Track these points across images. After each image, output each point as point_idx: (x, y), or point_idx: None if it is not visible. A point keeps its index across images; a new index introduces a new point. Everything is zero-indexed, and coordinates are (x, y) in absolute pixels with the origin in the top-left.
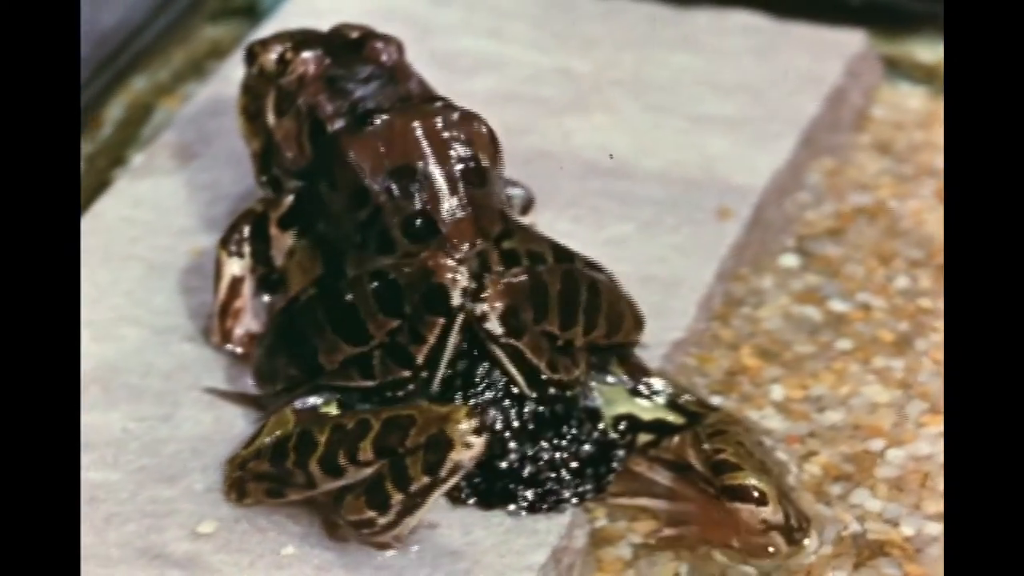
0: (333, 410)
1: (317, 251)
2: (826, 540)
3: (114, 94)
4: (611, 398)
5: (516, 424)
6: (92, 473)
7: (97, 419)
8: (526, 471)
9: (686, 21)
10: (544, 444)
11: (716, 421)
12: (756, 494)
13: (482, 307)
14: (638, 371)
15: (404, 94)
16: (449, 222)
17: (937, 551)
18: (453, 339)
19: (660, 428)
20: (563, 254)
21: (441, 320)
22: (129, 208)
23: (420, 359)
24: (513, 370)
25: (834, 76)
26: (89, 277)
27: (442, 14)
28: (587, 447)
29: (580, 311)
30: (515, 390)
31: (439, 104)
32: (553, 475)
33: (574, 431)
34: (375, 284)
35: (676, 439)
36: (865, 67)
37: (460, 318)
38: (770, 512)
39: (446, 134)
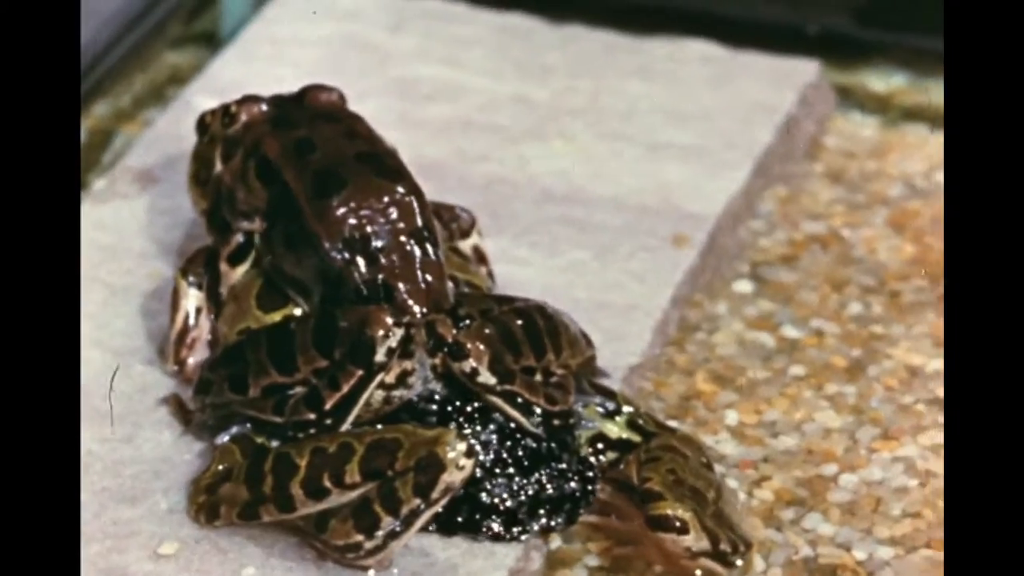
0: (263, 440)
1: (255, 287)
2: (774, 564)
3: None
4: (586, 418)
5: (492, 456)
6: None
7: None
8: (499, 504)
9: (642, 50)
10: (520, 478)
11: (655, 446)
12: (677, 523)
13: (469, 363)
14: (604, 392)
15: (347, 131)
16: (403, 290)
17: (889, 575)
18: (366, 395)
19: (623, 447)
20: (505, 300)
21: (359, 372)
22: (91, 232)
23: (328, 405)
24: (516, 413)
25: (788, 105)
26: None
27: (399, 42)
28: (564, 483)
29: (545, 337)
30: (492, 423)
31: (396, 177)
32: (526, 509)
33: (553, 465)
34: (318, 321)
35: (626, 459)
36: (818, 96)
37: (378, 377)
38: (692, 540)
39: (401, 209)
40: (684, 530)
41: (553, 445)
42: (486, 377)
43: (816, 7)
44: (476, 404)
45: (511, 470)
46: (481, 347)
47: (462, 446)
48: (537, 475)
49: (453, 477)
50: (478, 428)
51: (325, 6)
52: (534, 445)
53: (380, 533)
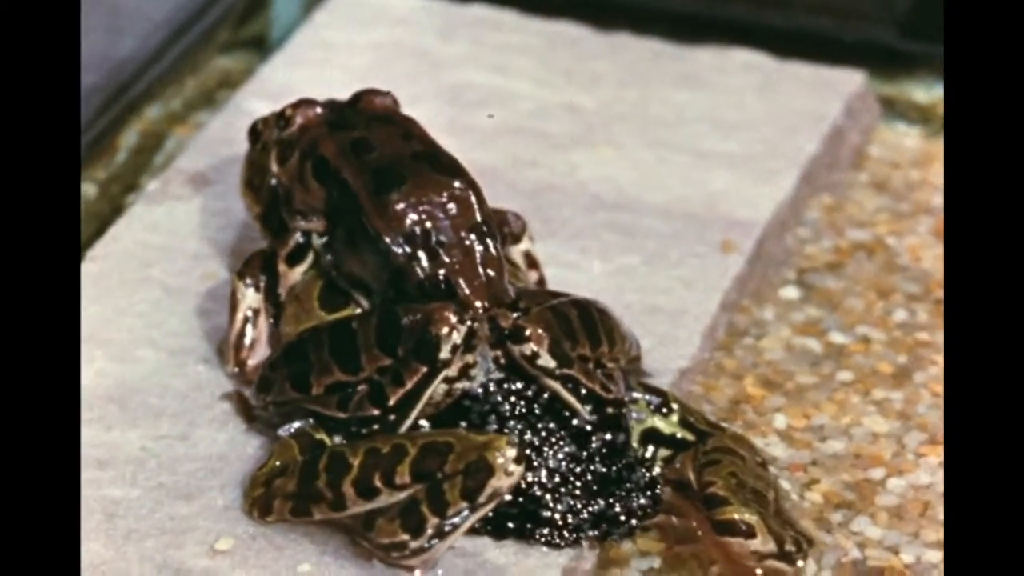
0: (323, 435)
1: (316, 287)
2: (825, 566)
3: (128, 122)
4: (636, 412)
5: (551, 464)
6: (112, 490)
7: (116, 437)
8: (559, 519)
9: (689, 58)
10: (587, 498)
11: (712, 448)
12: (744, 527)
13: (530, 346)
14: (654, 391)
15: (403, 132)
16: (465, 286)
17: None
18: (430, 391)
19: (677, 444)
20: (561, 295)
21: (424, 369)
22: (144, 233)
23: (392, 401)
24: (571, 399)
25: (833, 115)
26: (106, 299)
27: (450, 49)
28: (631, 501)
29: (601, 330)
30: (553, 428)
31: (454, 173)
32: (589, 524)
33: (621, 485)
34: (380, 319)
35: (680, 458)
36: (863, 107)
37: (442, 374)
38: (759, 543)
39: (461, 204)
40: (751, 534)
41: (623, 463)
42: (546, 360)
43: (861, 19)
44: (552, 428)
45: (579, 490)
46: (541, 331)
47: (512, 452)
48: (604, 495)
49: (501, 482)
50: (549, 448)
51: (375, 12)
52: (604, 468)
53: (426, 534)
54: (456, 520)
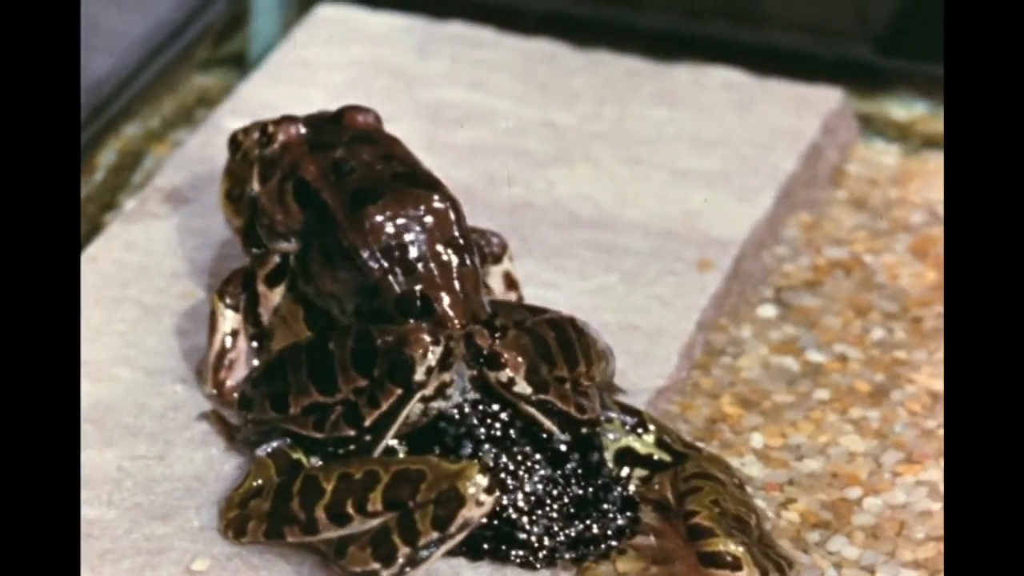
0: (300, 455)
1: (301, 307)
2: None
3: (106, 140)
4: (611, 431)
5: (527, 486)
6: (88, 510)
7: (93, 457)
8: (535, 541)
9: (667, 76)
10: (564, 521)
11: (691, 474)
12: (729, 559)
13: (507, 373)
14: (629, 410)
15: (385, 152)
16: (442, 303)
17: None
18: (405, 412)
19: (652, 465)
20: (538, 311)
21: (399, 390)
22: (122, 252)
23: (367, 422)
24: (547, 423)
25: (811, 132)
26: (83, 319)
27: (427, 66)
28: (607, 523)
29: (578, 350)
30: (529, 450)
31: (432, 189)
32: (565, 546)
33: (597, 507)
34: (356, 340)
35: (659, 479)
36: (841, 124)
37: (417, 395)
38: (745, 575)
39: (438, 217)
40: (737, 566)
41: (598, 484)
42: (522, 387)
43: (839, 36)
44: (528, 450)
45: (554, 512)
46: (518, 358)
47: (484, 482)
48: (580, 516)
49: (472, 512)
50: (524, 470)
51: (353, 30)
52: (579, 489)
53: (397, 563)
54: (427, 549)
